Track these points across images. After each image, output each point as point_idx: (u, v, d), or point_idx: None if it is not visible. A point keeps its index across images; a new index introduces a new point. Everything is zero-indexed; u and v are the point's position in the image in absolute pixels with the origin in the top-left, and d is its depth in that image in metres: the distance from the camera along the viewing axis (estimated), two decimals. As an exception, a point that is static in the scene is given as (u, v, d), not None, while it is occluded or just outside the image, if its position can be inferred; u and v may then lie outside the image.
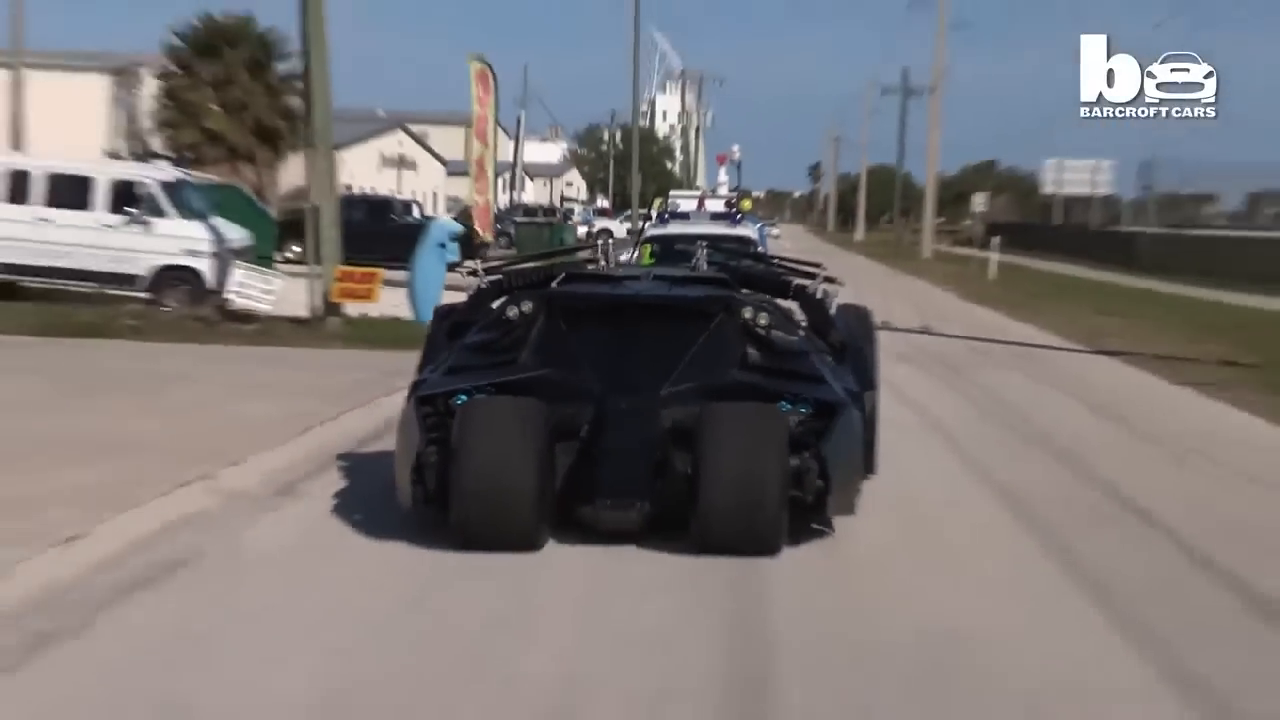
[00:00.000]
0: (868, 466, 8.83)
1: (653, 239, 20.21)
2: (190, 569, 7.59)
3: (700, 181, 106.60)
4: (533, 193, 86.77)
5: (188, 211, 23.29)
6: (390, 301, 20.67)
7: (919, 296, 36.32)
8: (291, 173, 44.80)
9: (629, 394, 8.21)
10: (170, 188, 23.48)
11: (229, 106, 41.06)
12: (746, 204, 33.54)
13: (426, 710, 5.50)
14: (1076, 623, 7.06)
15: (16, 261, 22.04)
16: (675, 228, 21.62)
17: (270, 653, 6.10)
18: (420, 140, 72.03)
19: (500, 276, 10.08)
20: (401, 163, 65.04)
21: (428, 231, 22.16)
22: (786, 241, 68.11)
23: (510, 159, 67.10)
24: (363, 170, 60.00)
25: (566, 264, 10.69)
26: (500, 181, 64.10)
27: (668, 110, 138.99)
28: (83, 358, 16.75)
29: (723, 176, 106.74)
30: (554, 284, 9.39)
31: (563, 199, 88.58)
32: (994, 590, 7.65)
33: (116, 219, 22.74)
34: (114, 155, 38.88)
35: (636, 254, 20.12)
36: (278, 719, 5.42)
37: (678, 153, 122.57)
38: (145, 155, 37.65)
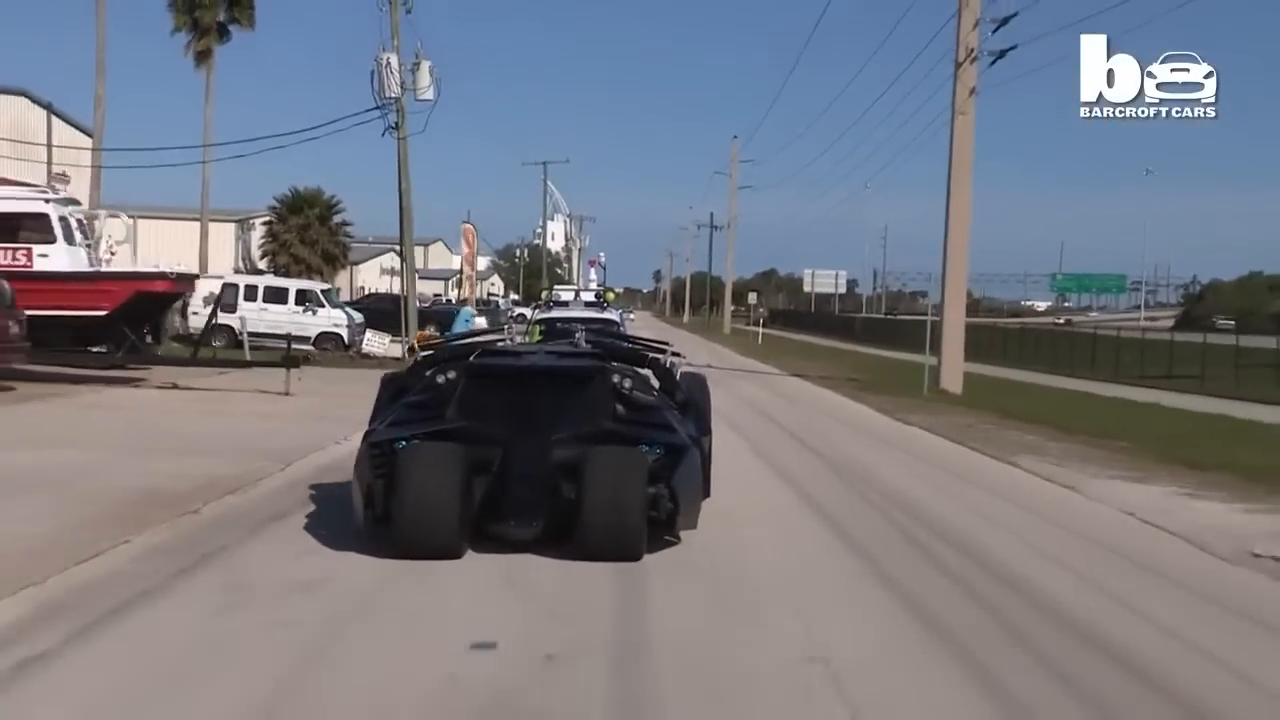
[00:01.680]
0: (705, 491, 8.22)
1: (541, 321, 18.62)
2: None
3: (578, 283, 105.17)
4: (469, 290, 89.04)
5: (333, 304, 30.09)
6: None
7: (715, 351, 40.33)
8: (339, 280, 48.99)
9: (528, 439, 7.62)
10: (324, 292, 30.35)
11: (306, 242, 43.38)
12: (611, 296, 38.10)
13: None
14: (744, 450, 13.67)
15: (252, 330, 26.52)
16: (558, 313, 19.81)
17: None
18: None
19: (432, 351, 9.48)
20: (394, 272, 62.18)
21: (460, 312, 26.96)
22: (640, 324, 63.11)
23: (454, 268, 66.80)
24: (371, 277, 62.40)
25: (481, 342, 9.88)
26: (447, 284, 65.70)
27: (556, 233, 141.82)
28: (309, 371, 21.18)
29: (593, 276, 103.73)
30: (472, 357, 8.59)
31: (489, 294, 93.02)
32: (732, 454, 10.89)
33: (299, 308, 29.16)
34: (238, 271, 41.82)
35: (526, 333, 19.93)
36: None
37: (564, 262, 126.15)
38: (255, 271, 41.11)
